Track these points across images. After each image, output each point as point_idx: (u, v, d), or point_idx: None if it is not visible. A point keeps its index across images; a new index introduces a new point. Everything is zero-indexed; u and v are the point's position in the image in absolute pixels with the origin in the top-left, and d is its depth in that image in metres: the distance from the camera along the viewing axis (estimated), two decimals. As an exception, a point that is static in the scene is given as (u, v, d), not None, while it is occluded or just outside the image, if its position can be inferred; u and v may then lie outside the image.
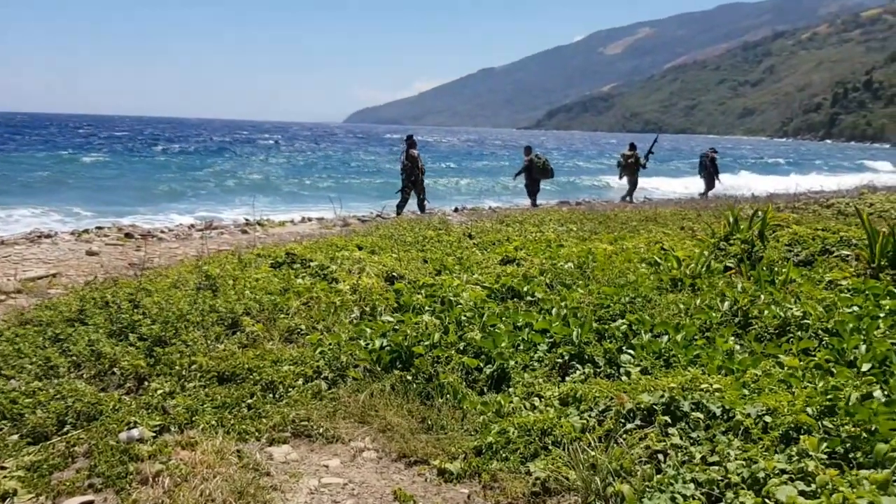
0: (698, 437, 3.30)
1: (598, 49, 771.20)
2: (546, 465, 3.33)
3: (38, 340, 4.90)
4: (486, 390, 4.34)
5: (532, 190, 18.38)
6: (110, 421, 3.84)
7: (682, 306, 5.31)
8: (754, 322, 4.95)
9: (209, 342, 5.05)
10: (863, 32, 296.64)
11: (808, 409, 3.26)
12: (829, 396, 3.40)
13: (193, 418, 3.94)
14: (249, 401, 4.22)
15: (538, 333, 4.81)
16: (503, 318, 5.22)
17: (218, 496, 3.10)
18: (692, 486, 2.90)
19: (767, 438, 3.16)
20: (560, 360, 4.47)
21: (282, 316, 5.66)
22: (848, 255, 7.20)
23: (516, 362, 4.48)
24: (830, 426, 3.18)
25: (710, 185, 21.68)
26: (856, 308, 4.87)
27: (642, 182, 22.78)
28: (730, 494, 2.82)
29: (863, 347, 4.10)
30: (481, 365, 4.52)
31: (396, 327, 5.01)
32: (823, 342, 4.42)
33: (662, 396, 3.53)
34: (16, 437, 3.75)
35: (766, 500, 2.72)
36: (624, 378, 4.13)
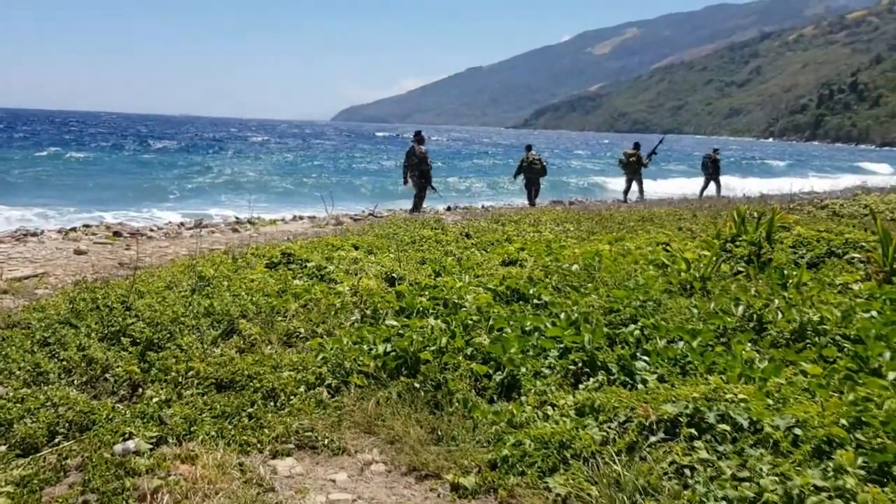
0: (726, 450, 3.13)
1: (586, 49, 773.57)
2: (566, 481, 3.17)
3: (27, 344, 4.67)
4: (496, 398, 4.15)
5: (530, 189, 18.24)
6: (104, 431, 3.64)
7: (694, 311, 5.15)
8: (769, 327, 4.81)
9: (205, 346, 4.85)
10: (848, 34, 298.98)
11: (841, 421, 3.11)
12: (858, 407, 3.26)
13: (192, 429, 3.74)
14: (250, 410, 4.02)
15: (549, 339, 4.64)
16: (510, 323, 5.05)
17: (221, 515, 2.92)
18: (724, 504, 2.76)
19: (798, 452, 3.01)
20: (573, 367, 4.30)
21: (280, 318, 5.46)
22: (854, 258, 7.09)
23: (527, 369, 4.30)
24: (864, 439, 3.04)
25: (706, 185, 21.67)
26: (874, 313, 4.73)
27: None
28: (765, 513, 2.67)
29: (887, 355, 3.96)
30: (490, 371, 4.33)
31: (401, 332, 4.82)
32: (844, 349, 4.28)
33: (686, 407, 3.37)
34: (4, 447, 3.55)
35: (806, 521, 2.58)
36: (640, 386, 3.97)
